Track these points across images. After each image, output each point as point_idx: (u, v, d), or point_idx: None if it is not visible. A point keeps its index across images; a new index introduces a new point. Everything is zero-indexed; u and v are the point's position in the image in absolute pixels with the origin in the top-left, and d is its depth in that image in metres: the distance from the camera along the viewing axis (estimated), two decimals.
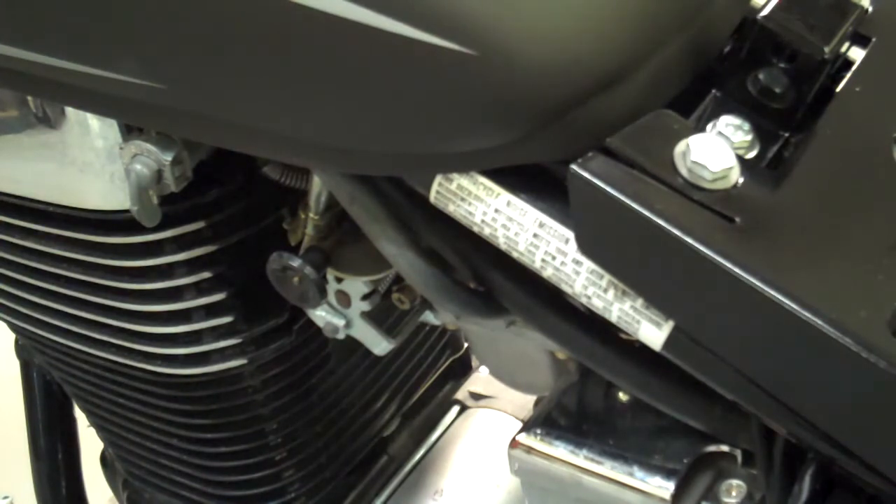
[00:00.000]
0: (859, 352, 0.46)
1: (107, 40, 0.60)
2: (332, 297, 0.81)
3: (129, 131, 0.71)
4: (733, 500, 0.67)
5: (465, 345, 1.15)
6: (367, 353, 0.86)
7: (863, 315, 0.47)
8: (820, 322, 0.47)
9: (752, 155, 0.56)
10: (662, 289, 0.52)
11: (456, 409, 1.15)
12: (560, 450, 0.70)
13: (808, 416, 0.50)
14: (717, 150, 0.51)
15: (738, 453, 0.66)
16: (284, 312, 0.86)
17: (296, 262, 0.75)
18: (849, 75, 0.59)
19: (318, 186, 0.74)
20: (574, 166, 0.51)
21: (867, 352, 0.46)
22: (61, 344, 0.95)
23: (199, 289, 0.82)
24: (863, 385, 0.47)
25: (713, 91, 0.59)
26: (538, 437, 0.71)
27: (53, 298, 0.90)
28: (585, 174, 0.51)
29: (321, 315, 0.82)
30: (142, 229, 0.74)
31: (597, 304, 0.55)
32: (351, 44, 0.54)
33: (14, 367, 1.16)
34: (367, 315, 0.82)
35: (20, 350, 1.14)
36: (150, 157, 0.70)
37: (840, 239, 0.52)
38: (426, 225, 0.64)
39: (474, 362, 1.18)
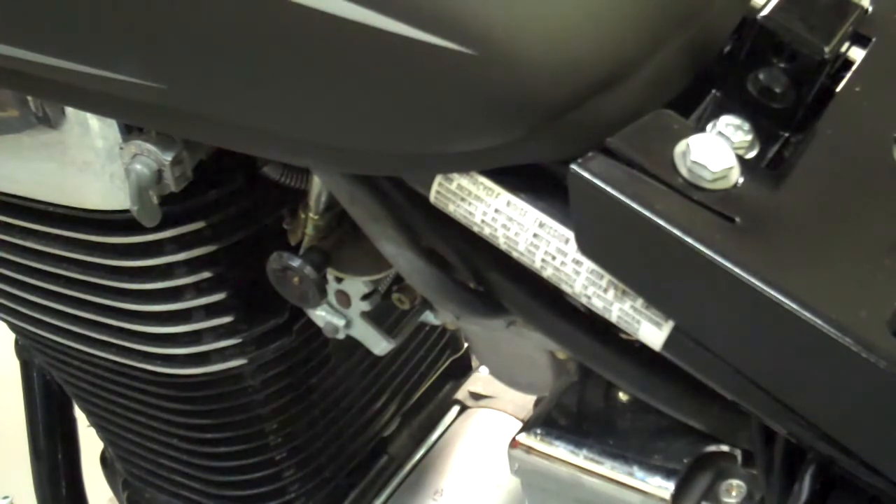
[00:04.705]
0: (859, 352, 0.46)
1: (107, 40, 0.60)
2: (332, 297, 0.81)
3: (129, 131, 0.71)
4: (733, 500, 0.66)
5: (465, 345, 1.15)
6: (367, 353, 0.86)
7: (863, 315, 0.47)
8: (820, 322, 0.47)
9: (752, 155, 0.56)
10: (662, 289, 0.52)
11: (456, 409, 1.15)
12: (560, 450, 0.70)
13: (808, 416, 0.50)
14: (717, 150, 0.51)
15: (738, 453, 0.66)
16: (284, 312, 0.86)
17: (296, 262, 0.75)
18: (849, 75, 0.59)
19: (318, 186, 0.74)
20: (574, 166, 0.51)
21: (867, 352, 0.46)
22: (61, 344, 0.95)
23: (199, 289, 0.82)
24: (863, 385, 0.47)
25: (713, 91, 0.59)
26: (538, 437, 0.71)
27: (53, 298, 0.90)
28: (585, 174, 0.51)
29: (321, 315, 0.82)
30: (142, 229, 0.74)
31: (597, 304, 0.55)
32: (351, 44, 0.54)
33: (14, 367, 1.16)
34: (367, 315, 0.82)
35: (20, 350, 1.14)
36: (150, 157, 0.70)
37: (840, 239, 0.52)
38: (426, 225, 0.64)
39: (474, 362, 1.18)
